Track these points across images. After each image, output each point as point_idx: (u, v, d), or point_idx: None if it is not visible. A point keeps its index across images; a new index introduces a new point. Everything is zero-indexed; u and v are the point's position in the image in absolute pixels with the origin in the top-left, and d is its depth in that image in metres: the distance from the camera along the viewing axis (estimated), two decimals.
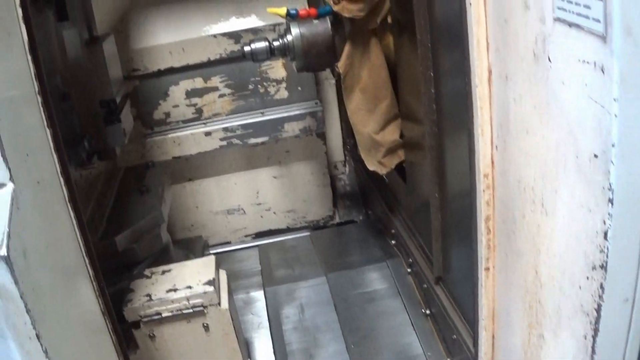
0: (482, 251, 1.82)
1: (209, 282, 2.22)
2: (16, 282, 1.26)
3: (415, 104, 2.38)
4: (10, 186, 1.30)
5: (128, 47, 3.03)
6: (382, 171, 2.64)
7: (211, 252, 3.44)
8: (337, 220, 3.61)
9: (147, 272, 2.34)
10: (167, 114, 3.19)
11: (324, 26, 2.49)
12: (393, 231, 2.99)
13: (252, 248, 3.46)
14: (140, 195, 2.68)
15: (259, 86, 3.20)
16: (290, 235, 3.53)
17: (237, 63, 3.10)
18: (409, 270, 2.77)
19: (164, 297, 2.19)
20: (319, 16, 2.49)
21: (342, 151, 3.63)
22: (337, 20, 2.48)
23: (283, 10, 2.47)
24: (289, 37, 2.50)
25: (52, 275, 1.46)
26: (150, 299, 2.19)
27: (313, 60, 2.54)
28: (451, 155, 2.12)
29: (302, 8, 2.50)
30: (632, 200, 1.19)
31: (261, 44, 2.53)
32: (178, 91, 3.16)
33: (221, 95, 3.20)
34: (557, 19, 1.26)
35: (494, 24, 1.56)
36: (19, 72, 1.42)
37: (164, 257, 2.67)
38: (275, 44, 2.54)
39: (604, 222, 1.22)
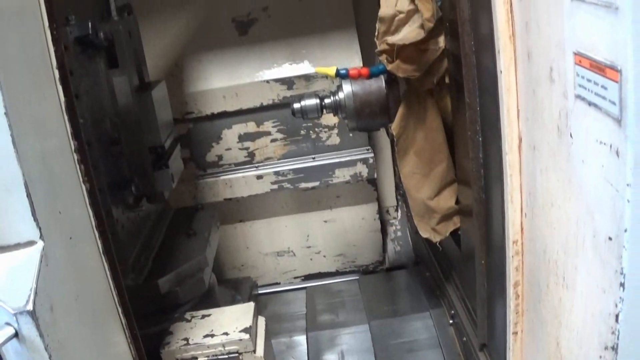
0: (511, 316, 1.80)
1: (245, 330, 2.25)
2: (41, 335, 1.33)
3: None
4: (40, 244, 1.37)
5: (182, 91, 3.13)
6: (436, 239, 2.51)
7: (260, 292, 3.49)
8: (386, 265, 3.60)
9: (187, 315, 2.40)
10: (220, 157, 3.27)
11: (377, 85, 2.41)
12: (438, 281, 2.96)
13: (300, 290, 3.48)
14: (187, 238, 2.74)
15: (311, 132, 3.25)
16: (339, 279, 3.53)
17: (290, 108, 3.15)
18: (450, 321, 2.74)
19: (200, 342, 2.24)
20: (371, 76, 2.39)
21: (394, 196, 3.62)
22: (391, 78, 2.40)
23: (332, 70, 2.38)
24: (341, 95, 2.43)
25: (80, 326, 1.51)
26: (188, 343, 2.24)
27: (366, 120, 2.46)
28: (497, 223, 2.07)
29: (353, 67, 2.41)
30: None
31: (311, 102, 2.48)
32: (231, 135, 3.24)
33: (273, 140, 3.26)
34: (578, 96, 1.25)
35: (524, 92, 1.55)
36: (55, 132, 1.49)
37: (208, 299, 2.72)
38: (327, 101, 2.47)
39: (616, 305, 1.20)
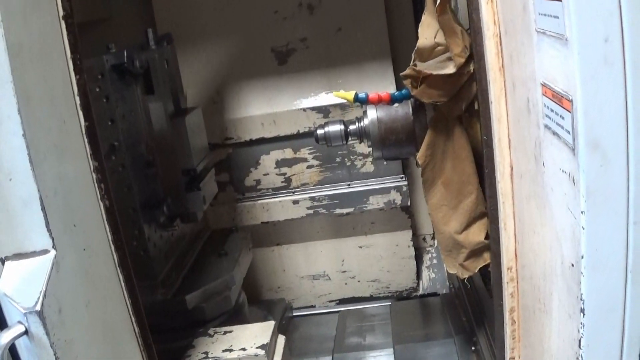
0: (508, 341, 1.84)
1: (262, 346, 2.34)
2: (47, 334, 1.46)
3: None
4: (52, 253, 1.50)
5: (223, 117, 3.28)
6: (464, 275, 2.34)
7: (295, 314, 3.59)
8: (420, 291, 3.64)
9: (210, 331, 2.51)
10: (258, 181, 3.40)
11: (404, 111, 2.28)
12: (464, 309, 2.99)
13: (334, 314, 3.55)
14: (218, 257, 2.86)
15: (346, 159, 3.34)
16: (372, 304, 3.59)
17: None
18: (472, 348, 2.77)
19: (219, 356, 2.33)
20: (394, 101, 2.26)
21: (431, 224, 3.66)
22: (418, 104, 2.27)
23: (350, 95, 2.24)
24: (366, 121, 2.31)
25: (89, 330, 1.63)
26: (207, 357, 2.34)
27: (391, 149, 2.34)
28: None
29: (374, 92, 2.27)
30: (601, 311, 1.22)
31: (335, 128, 2.39)
32: (269, 160, 3.37)
33: (309, 167, 3.37)
34: (546, 126, 1.31)
35: (513, 121, 1.61)
36: (75, 153, 1.63)
37: (237, 317, 2.83)
38: (351, 128, 2.38)
39: (578, 331, 1.24)
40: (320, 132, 2.42)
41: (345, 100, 2.29)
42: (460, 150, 2.24)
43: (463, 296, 3.10)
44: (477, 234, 2.26)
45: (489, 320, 2.59)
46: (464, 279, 2.39)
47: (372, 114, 2.31)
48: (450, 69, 1.99)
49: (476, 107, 2.18)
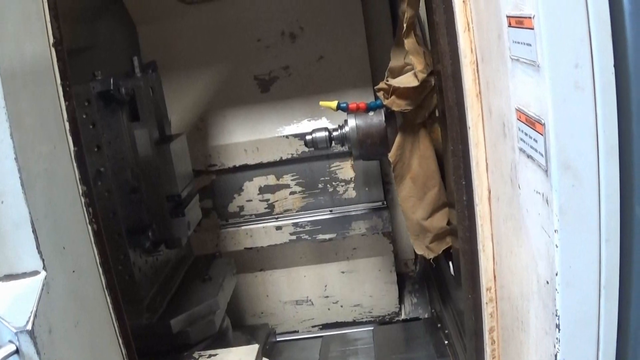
0: None
1: None
2: (38, 353, 1.48)
3: None
4: (42, 274, 1.53)
5: (207, 144, 3.33)
6: (430, 255, 2.68)
7: (278, 339, 3.60)
8: (403, 316, 3.68)
9: (195, 354, 2.53)
10: (241, 208, 3.44)
11: (378, 119, 2.66)
12: (447, 331, 3.03)
13: (317, 338, 3.58)
14: (202, 283, 2.89)
15: (328, 185, 3.40)
16: (355, 329, 3.62)
17: (308, 163, 3.32)
18: None
19: None
20: (369, 109, 2.64)
21: (413, 249, 3.71)
22: (390, 113, 2.63)
23: (334, 104, 2.61)
24: (346, 128, 2.70)
25: (78, 350, 1.65)
26: None
27: (368, 149, 2.70)
28: None
29: (352, 102, 2.64)
30: (576, 326, 1.26)
31: (321, 134, 2.74)
32: (252, 187, 3.41)
33: (292, 193, 3.42)
34: (521, 150, 1.37)
35: (490, 146, 1.67)
36: (64, 178, 1.66)
37: (221, 341, 2.84)
38: (334, 134, 2.73)
39: (554, 346, 1.29)
40: (308, 137, 2.77)
41: (329, 108, 2.64)
42: (425, 150, 2.61)
43: (444, 316, 3.13)
44: (440, 220, 2.61)
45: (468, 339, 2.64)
46: (430, 258, 2.69)
47: (352, 122, 2.68)
48: (415, 83, 2.36)
49: (437, 114, 2.58)
